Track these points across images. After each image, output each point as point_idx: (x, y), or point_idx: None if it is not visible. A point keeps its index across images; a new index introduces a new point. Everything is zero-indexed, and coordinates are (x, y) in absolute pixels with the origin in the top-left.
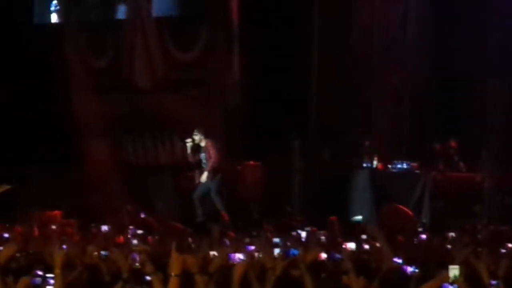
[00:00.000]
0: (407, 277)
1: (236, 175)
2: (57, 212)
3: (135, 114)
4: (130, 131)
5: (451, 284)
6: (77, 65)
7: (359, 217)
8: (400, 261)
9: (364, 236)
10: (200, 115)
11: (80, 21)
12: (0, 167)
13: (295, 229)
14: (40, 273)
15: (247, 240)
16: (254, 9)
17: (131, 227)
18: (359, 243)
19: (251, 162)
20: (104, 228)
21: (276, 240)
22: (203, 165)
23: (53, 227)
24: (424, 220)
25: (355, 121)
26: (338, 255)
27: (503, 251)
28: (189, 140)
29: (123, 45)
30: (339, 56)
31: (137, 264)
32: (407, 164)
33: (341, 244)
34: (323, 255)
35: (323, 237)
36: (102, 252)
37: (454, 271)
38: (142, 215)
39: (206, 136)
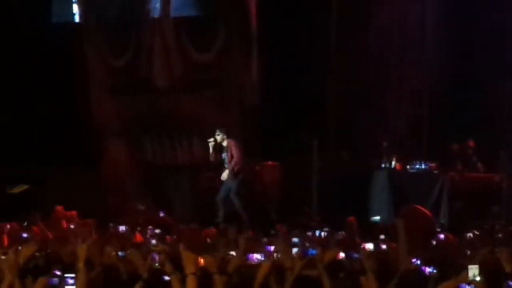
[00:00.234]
0: (425, 278)
1: (254, 175)
2: (73, 212)
3: (153, 114)
4: (147, 131)
5: (469, 284)
6: (96, 64)
7: (377, 218)
8: (418, 262)
9: (382, 237)
10: (218, 115)
11: (99, 21)
12: (18, 167)
13: (313, 229)
14: (58, 273)
15: (265, 240)
16: (272, 9)
17: (150, 227)
18: (377, 244)
19: (269, 163)
20: (122, 228)
21: (295, 240)
22: (225, 165)
23: (71, 226)
24: (442, 221)
25: (373, 121)
26: (356, 255)
27: None
28: (211, 139)
29: (142, 45)
30: (357, 56)
31: (156, 264)
32: (425, 165)
33: (360, 244)
34: (342, 255)
35: (341, 237)
36: (120, 253)
37: (472, 271)
38: (161, 214)
39: (228, 136)
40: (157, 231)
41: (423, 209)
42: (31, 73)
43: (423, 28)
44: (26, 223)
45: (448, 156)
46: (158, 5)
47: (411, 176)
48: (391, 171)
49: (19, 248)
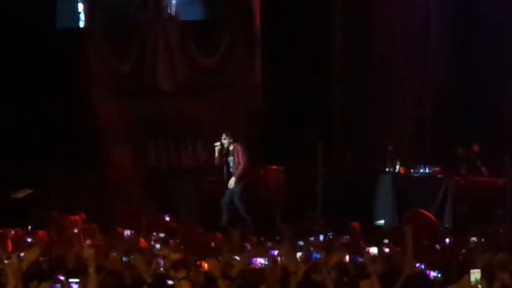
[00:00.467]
0: (430, 282)
1: (259, 179)
2: (78, 217)
3: (157, 118)
4: (152, 135)
5: None
6: (100, 69)
7: (382, 221)
8: (422, 266)
9: (386, 241)
10: (222, 118)
11: (103, 25)
12: (23, 171)
13: (317, 233)
14: (61, 278)
15: (269, 244)
16: (276, 12)
17: (154, 233)
18: (381, 248)
19: (274, 167)
20: (127, 232)
21: (300, 243)
22: (230, 169)
23: (75, 231)
24: (446, 225)
25: (378, 125)
26: (360, 259)
27: None
28: (217, 143)
29: (146, 49)
30: (361, 59)
31: (161, 269)
32: (430, 169)
33: (364, 248)
34: (346, 259)
35: (345, 241)
36: (124, 258)
37: (475, 275)
38: (167, 218)
39: (235, 140)
40: (162, 235)
41: (427, 213)
42: (35, 77)
43: (427, 30)
44: (30, 227)
45: (452, 160)
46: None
47: (416, 180)
48: (396, 175)
49: (23, 252)
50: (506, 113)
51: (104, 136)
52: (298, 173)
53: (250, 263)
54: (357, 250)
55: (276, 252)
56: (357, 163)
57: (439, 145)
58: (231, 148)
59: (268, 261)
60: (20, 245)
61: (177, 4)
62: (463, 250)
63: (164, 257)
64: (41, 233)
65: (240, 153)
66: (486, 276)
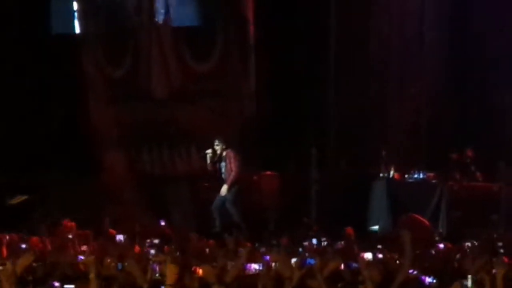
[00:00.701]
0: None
1: (253, 185)
2: (72, 223)
3: (151, 124)
4: (146, 141)
5: None
6: (95, 74)
7: (376, 227)
8: (415, 272)
9: (379, 246)
10: (216, 125)
11: (98, 31)
12: (17, 177)
13: (311, 239)
14: (56, 284)
15: (263, 250)
16: (270, 18)
17: (148, 240)
18: (375, 253)
19: (268, 172)
20: (119, 237)
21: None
22: (222, 175)
23: (69, 236)
24: (441, 230)
25: (372, 131)
26: (355, 264)
27: None
28: (209, 150)
29: (140, 55)
30: (356, 65)
31: (157, 275)
32: (424, 174)
33: (358, 254)
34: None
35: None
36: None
37: (468, 281)
38: (162, 223)
39: (227, 146)
40: (156, 241)
41: (422, 219)
42: (31, 83)
43: (423, 37)
44: (24, 233)
45: (446, 166)
46: (153, 10)
47: (410, 185)
48: (390, 180)
49: (17, 258)
50: (501, 118)
51: (98, 142)
52: (292, 179)
53: (245, 269)
54: (352, 255)
55: (270, 258)
56: (352, 168)
57: (433, 151)
58: (223, 154)
59: (263, 266)
60: (15, 251)
61: (171, 10)
62: (458, 256)
63: (160, 263)
64: (35, 239)
65: (232, 160)
66: (480, 281)
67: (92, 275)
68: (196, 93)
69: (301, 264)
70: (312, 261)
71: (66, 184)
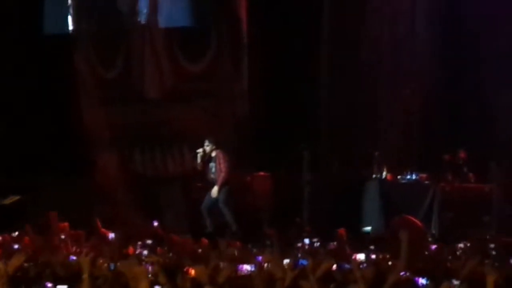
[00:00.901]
0: None
1: (246, 186)
2: (65, 224)
3: (144, 125)
4: (139, 142)
5: None
6: (87, 75)
7: (369, 228)
8: (407, 273)
9: (371, 247)
10: (209, 125)
11: (91, 31)
12: (9, 177)
13: (303, 239)
14: (49, 285)
15: (256, 250)
16: (263, 19)
17: (139, 242)
18: (368, 254)
19: (261, 173)
20: (111, 235)
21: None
22: (212, 175)
23: (62, 237)
24: (433, 231)
25: (365, 131)
26: (347, 265)
27: None
28: (200, 150)
29: (132, 56)
30: (349, 65)
31: (149, 275)
32: (416, 175)
33: (350, 255)
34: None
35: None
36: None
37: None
38: (155, 223)
39: (218, 146)
40: (149, 241)
41: (414, 220)
42: (23, 83)
43: (414, 36)
44: (17, 233)
45: (439, 167)
46: (145, 10)
47: (402, 186)
48: (382, 181)
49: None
50: (494, 119)
51: (91, 143)
52: (285, 180)
53: (237, 269)
54: (344, 256)
55: (262, 259)
56: (344, 169)
57: (425, 152)
58: (213, 154)
59: (255, 267)
60: (7, 251)
61: (163, 10)
62: (450, 257)
63: (152, 263)
64: (27, 239)
65: (221, 160)
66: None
67: (85, 275)
68: (189, 93)
69: (294, 265)
70: (304, 262)
71: (59, 184)
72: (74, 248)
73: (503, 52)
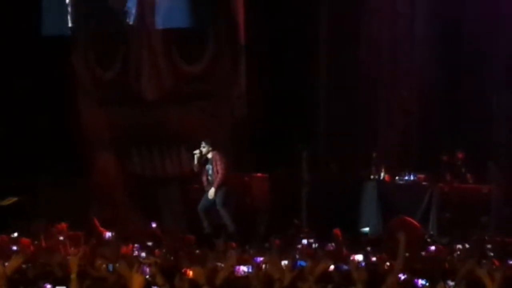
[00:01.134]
0: None
1: (243, 187)
2: (64, 225)
3: (142, 126)
4: (137, 143)
5: None
6: (85, 76)
7: (367, 229)
8: (405, 275)
9: (368, 248)
10: (207, 127)
11: (87, 33)
12: (8, 178)
13: (301, 240)
14: (48, 286)
15: (253, 251)
16: (261, 20)
17: (136, 245)
18: (366, 255)
19: (258, 174)
20: (108, 234)
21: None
22: (209, 177)
23: (61, 238)
24: (431, 232)
25: (363, 132)
26: (345, 266)
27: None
28: (197, 151)
29: (130, 57)
30: (347, 66)
31: (147, 276)
32: (414, 176)
33: (348, 256)
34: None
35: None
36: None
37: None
38: (153, 225)
39: (214, 148)
40: (147, 243)
41: (412, 220)
42: (21, 85)
43: (412, 37)
44: (15, 235)
45: (437, 167)
46: (143, 11)
47: (400, 187)
48: (380, 182)
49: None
50: (492, 120)
51: (89, 144)
52: (283, 181)
53: (235, 270)
54: (341, 257)
55: (261, 260)
56: (342, 170)
57: (423, 152)
58: (210, 156)
59: (253, 268)
60: (5, 252)
61: (162, 11)
62: (448, 257)
63: (150, 265)
64: (25, 240)
65: (218, 162)
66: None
67: (73, 275)
68: (187, 94)
69: (292, 266)
70: (303, 263)
71: (57, 185)
72: (72, 249)
73: (502, 53)
